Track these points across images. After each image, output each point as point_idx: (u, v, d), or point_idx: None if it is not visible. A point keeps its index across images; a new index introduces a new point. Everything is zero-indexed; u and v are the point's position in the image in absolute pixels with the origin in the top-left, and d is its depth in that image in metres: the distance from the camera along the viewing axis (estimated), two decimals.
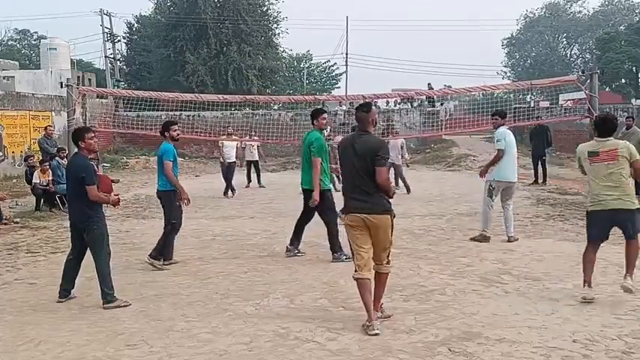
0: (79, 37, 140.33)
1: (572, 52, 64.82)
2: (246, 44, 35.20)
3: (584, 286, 5.78)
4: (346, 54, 48.68)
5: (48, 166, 12.78)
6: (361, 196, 5.09)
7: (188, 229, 8.42)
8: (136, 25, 43.97)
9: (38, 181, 12.52)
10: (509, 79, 60.67)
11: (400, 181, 14.30)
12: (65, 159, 12.60)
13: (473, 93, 21.22)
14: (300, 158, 8.31)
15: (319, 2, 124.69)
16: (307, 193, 7.74)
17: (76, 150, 6.49)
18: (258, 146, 16.69)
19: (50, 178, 12.63)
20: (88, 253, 6.09)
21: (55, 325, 5.47)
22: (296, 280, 6.84)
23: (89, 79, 32.97)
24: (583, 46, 62.79)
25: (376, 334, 4.94)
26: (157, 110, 21.51)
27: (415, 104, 28.81)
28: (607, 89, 43.05)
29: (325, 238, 7.86)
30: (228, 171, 14.77)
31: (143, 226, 10.75)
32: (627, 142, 5.83)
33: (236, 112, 26.81)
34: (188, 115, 24.40)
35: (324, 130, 8.69)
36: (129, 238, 9.61)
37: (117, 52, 41.53)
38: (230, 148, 15.06)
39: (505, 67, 66.23)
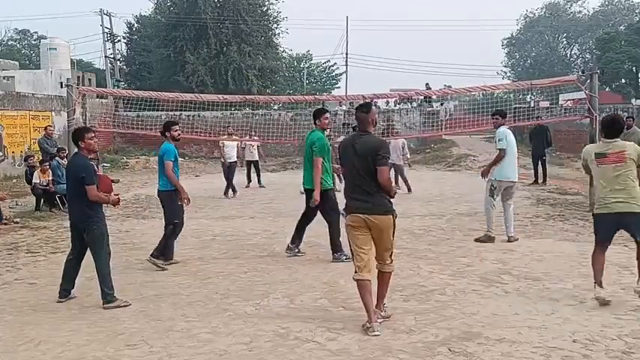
0: (79, 37, 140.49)
1: (572, 52, 64.82)
2: (246, 44, 35.20)
3: (595, 287, 5.68)
4: (346, 54, 48.76)
5: (48, 166, 12.79)
6: (362, 196, 5.09)
7: (188, 229, 8.43)
8: (136, 25, 43.99)
9: (38, 181, 12.52)
10: (509, 79, 60.75)
11: (401, 180, 14.30)
12: (65, 159, 12.60)
13: (473, 93, 21.23)
14: (300, 158, 8.31)
15: (319, 2, 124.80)
16: (309, 193, 7.73)
17: (76, 150, 6.49)
18: (258, 146, 16.70)
19: (50, 178, 12.63)
20: (88, 253, 6.09)
21: (55, 325, 5.47)
22: (296, 280, 6.84)
23: (89, 79, 33.00)
24: (583, 46, 62.79)
25: (376, 336, 4.93)
26: (157, 110, 21.52)
27: (415, 104, 28.82)
28: (607, 89, 43.03)
29: (325, 238, 7.87)
30: (229, 171, 14.79)
31: (143, 226, 10.75)
32: (635, 144, 5.75)
33: (236, 112, 26.80)
34: (188, 115, 24.41)
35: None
36: (129, 238, 9.61)
37: (117, 52, 41.56)
38: (231, 148, 15.09)
39: (505, 67, 66.35)
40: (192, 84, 32.89)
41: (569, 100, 33.80)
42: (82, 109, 20.72)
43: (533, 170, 15.78)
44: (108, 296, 5.93)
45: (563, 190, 14.04)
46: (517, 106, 21.83)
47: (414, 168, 19.13)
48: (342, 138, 12.05)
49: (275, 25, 38.24)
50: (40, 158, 13.79)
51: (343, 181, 5.58)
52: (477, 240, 8.66)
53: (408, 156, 15.36)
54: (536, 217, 10.75)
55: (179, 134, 7.93)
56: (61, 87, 24.68)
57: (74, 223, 6.10)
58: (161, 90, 22.84)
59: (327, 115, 8.04)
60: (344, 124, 21.04)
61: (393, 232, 5.18)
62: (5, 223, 10.81)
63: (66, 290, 6.19)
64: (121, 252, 8.18)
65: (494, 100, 19.08)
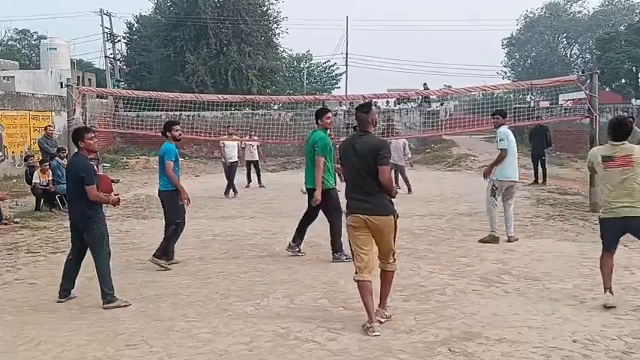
0: (79, 37, 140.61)
1: (572, 52, 64.83)
2: (246, 44, 35.21)
3: (605, 292, 5.65)
4: (346, 54, 48.77)
5: (48, 166, 12.79)
6: (362, 197, 5.08)
7: (188, 229, 8.42)
8: (136, 25, 44.01)
9: (38, 181, 12.52)
10: (509, 79, 60.78)
11: (401, 181, 14.29)
12: (65, 159, 12.60)
13: (473, 93, 21.24)
14: (300, 158, 8.31)
15: (319, 2, 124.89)
16: (312, 192, 7.72)
17: (76, 150, 6.49)
18: (258, 146, 16.71)
19: (50, 178, 12.63)
20: (88, 253, 6.09)
21: (55, 325, 5.47)
22: (296, 280, 6.84)
23: (89, 79, 33.02)
24: (583, 46, 62.79)
25: (376, 336, 4.93)
26: (157, 110, 21.53)
27: (414, 104, 28.82)
28: (607, 89, 43.04)
29: (325, 238, 7.87)
30: (230, 171, 14.80)
31: (143, 226, 10.75)
32: None
33: (236, 112, 26.81)
34: (188, 115, 24.39)
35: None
36: (129, 238, 9.61)
37: (117, 52, 41.58)
38: (232, 148, 15.10)
39: (505, 67, 66.37)
40: (192, 84, 32.90)
41: (569, 100, 33.81)
42: (82, 109, 20.72)
43: (533, 170, 15.78)
44: (108, 296, 5.93)
45: (563, 190, 14.03)
46: (517, 106, 21.83)
47: (414, 168, 19.12)
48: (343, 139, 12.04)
49: (275, 25, 38.30)
50: (40, 158, 13.79)
51: (344, 181, 5.58)
52: (481, 241, 8.59)
53: (409, 156, 15.36)
54: (536, 217, 10.74)
55: (180, 134, 7.92)
56: (61, 87, 24.70)
57: (74, 223, 6.10)
58: (161, 90, 22.85)
59: (330, 114, 8.01)
60: (346, 124, 21.02)
61: (395, 233, 5.17)
62: (5, 223, 10.81)
63: (66, 290, 6.19)
64: (121, 252, 8.18)
65: (494, 100, 19.07)
